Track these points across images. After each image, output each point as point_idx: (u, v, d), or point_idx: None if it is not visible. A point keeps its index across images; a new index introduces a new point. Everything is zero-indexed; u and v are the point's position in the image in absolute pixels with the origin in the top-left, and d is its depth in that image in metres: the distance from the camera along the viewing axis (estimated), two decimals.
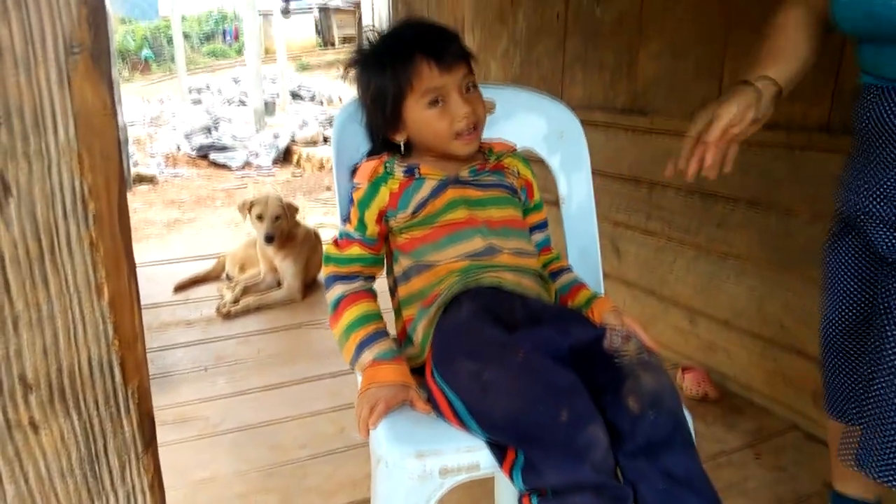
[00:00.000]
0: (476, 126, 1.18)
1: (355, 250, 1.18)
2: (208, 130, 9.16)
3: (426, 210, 1.15)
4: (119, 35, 25.00)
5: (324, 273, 1.20)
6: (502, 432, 0.93)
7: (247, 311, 2.83)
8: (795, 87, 1.89)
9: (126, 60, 24.42)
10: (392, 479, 0.92)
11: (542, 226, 1.32)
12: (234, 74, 17.32)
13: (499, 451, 0.94)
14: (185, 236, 5.33)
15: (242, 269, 3.18)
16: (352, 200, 1.20)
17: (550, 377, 0.91)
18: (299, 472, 1.75)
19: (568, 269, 1.31)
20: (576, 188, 1.38)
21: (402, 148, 1.23)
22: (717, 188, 2.16)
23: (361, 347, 1.10)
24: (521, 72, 2.98)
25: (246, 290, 2.96)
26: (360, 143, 1.28)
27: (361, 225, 1.18)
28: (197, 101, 14.32)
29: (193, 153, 8.46)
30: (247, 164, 8.24)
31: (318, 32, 24.51)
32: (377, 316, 1.15)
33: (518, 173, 1.28)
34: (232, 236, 4.84)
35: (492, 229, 1.15)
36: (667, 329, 2.45)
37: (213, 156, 8.32)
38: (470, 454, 0.94)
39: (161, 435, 1.77)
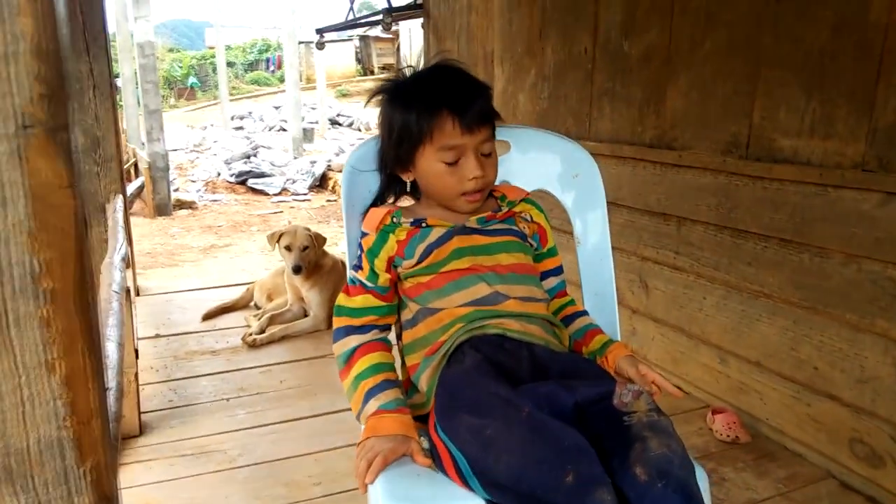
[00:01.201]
0: (484, 188, 1.17)
1: (370, 301, 1.17)
2: (248, 157, 9.34)
3: (431, 258, 1.14)
4: (166, 63, 25.86)
5: (335, 325, 1.18)
6: (505, 493, 0.89)
7: (272, 341, 2.84)
8: (828, 124, 1.84)
9: (172, 88, 25.22)
10: None
11: (557, 271, 1.29)
12: (275, 102, 17.73)
13: None
14: (219, 262, 5.39)
15: (270, 297, 3.20)
16: (361, 247, 1.20)
17: (556, 436, 0.88)
18: None
19: (583, 314, 1.27)
20: (591, 228, 1.35)
21: (409, 186, 1.23)
22: (748, 225, 2.10)
23: (368, 397, 1.08)
24: (549, 105, 2.97)
25: (272, 320, 2.98)
26: (371, 184, 1.28)
27: (373, 274, 1.17)
28: (239, 128, 14.67)
29: (232, 179, 8.63)
30: (283, 191, 8.37)
31: (358, 60, 24.98)
32: (390, 366, 1.13)
33: (531, 219, 1.26)
34: (265, 262, 4.88)
35: (498, 275, 1.13)
36: (696, 368, 2.37)
37: (251, 182, 8.47)
38: None
39: (181, 469, 1.77)
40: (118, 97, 11.97)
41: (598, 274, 1.35)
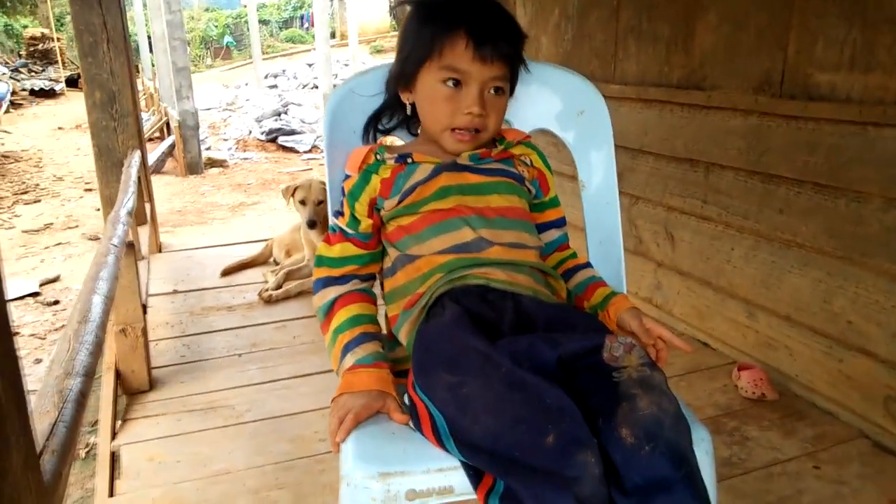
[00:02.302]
0: (480, 131, 1.07)
1: (349, 249, 1.10)
2: (278, 114, 9.29)
3: (413, 196, 1.05)
4: (202, 23, 25.84)
5: (315, 276, 1.11)
6: (481, 456, 0.82)
7: (288, 297, 2.80)
8: (870, 55, 1.68)
9: (209, 48, 25.22)
10: (355, 502, 0.83)
11: (560, 223, 1.19)
12: (309, 59, 17.59)
13: (474, 473, 0.83)
14: (248, 219, 5.39)
15: (288, 253, 3.16)
16: (343, 191, 1.12)
17: (537, 395, 0.80)
18: (316, 468, 1.70)
19: (585, 266, 1.17)
20: (596, 170, 1.24)
21: (409, 111, 1.15)
22: (780, 170, 1.95)
23: (345, 351, 1.01)
24: (573, 46, 2.81)
25: (289, 276, 2.94)
26: (356, 125, 1.19)
27: (353, 220, 1.09)
28: (273, 86, 14.61)
29: (263, 137, 8.60)
30: (314, 148, 8.31)
31: (392, 15, 24.57)
32: (369, 318, 1.06)
33: (531, 163, 1.16)
34: (293, 219, 4.85)
35: (485, 219, 1.04)
36: (723, 323, 2.26)
37: (281, 140, 8.43)
38: (442, 475, 0.84)
39: (187, 424, 1.75)
40: (151, 57, 11.99)
41: (604, 219, 1.25)
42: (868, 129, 1.70)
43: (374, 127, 1.21)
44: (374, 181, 1.08)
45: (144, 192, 3.42)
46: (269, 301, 2.76)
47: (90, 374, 1.09)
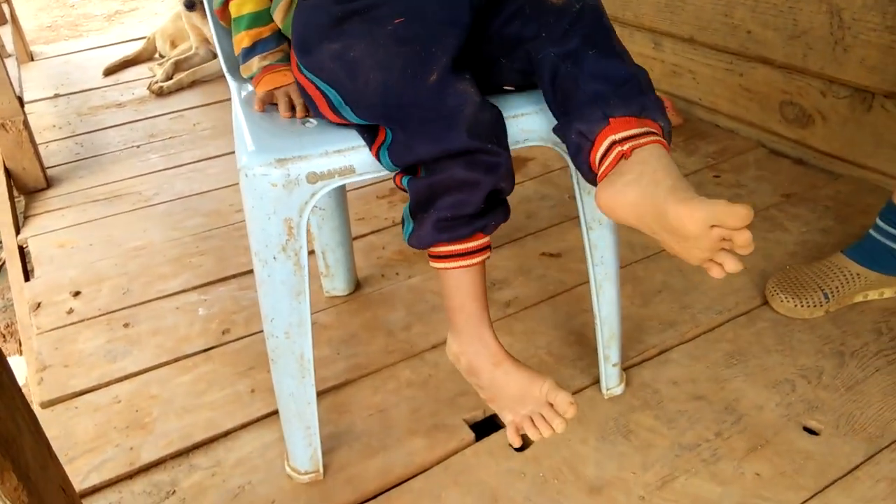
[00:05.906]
0: None
1: None
2: None
3: None
4: None
5: None
6: (374, 111, 0.80)
7: (181, 88, 2.62)
8: None
9: None
10: (256, 191, 0.81)
11: None
12: None
13: (369, 134, 0.82)
14: (126, 27, 4.89)
15: (174, 44, 2.90)
16: None
17: (424, 40, 0.77)
18: (236, 234, 1.68)
19: None
20: None
21: None
22: None
23: (251, 55, 0.96)
24: None
25: (178, 66, 2.72)
26: None
27: None
28: None
29: None
30: None
31: None
32: (264, 18, 0.97)
33: None
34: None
35: None
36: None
37: None
38: (341, 156, 0.82)
39: (94, 213, 1.66)
40: None
41: None
42: None
43: None
44: None
45: None
46: (161, 93, 2.57)
47: None
